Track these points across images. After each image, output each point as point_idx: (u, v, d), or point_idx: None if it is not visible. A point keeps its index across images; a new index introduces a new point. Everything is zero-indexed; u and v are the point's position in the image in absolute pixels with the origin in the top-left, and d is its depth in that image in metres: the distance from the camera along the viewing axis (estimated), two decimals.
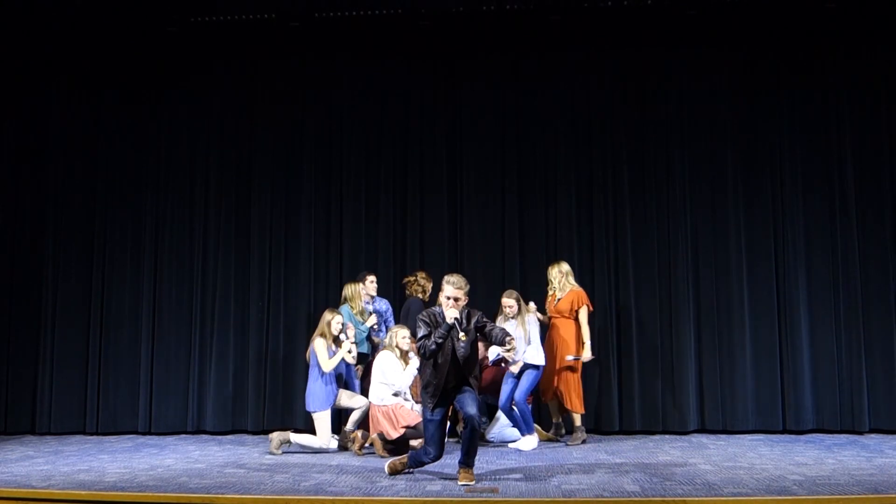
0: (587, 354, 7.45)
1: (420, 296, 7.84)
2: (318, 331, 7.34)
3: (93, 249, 8.87)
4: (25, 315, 8.84)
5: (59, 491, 5.57)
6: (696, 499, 5.09)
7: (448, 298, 5.69)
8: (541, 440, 7.56)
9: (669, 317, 8.30)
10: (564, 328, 7.49)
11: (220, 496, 5.34)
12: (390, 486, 5.60)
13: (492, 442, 7.59)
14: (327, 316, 7.34)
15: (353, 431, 7.27)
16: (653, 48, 8.60)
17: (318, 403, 7.19)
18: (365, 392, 7.42)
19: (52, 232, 8.92)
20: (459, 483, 5.56)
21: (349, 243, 8.75)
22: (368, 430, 7.15)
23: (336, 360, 7.22)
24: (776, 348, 8.17)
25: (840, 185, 8.30)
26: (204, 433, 8.52)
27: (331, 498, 5.27)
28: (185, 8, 8.29)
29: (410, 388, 7.22)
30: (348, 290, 7.85)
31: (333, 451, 7.15)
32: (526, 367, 7.22)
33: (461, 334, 5.59)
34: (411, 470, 6.00)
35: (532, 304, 7.51)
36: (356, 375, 7.71)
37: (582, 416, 7.54)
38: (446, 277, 5.78)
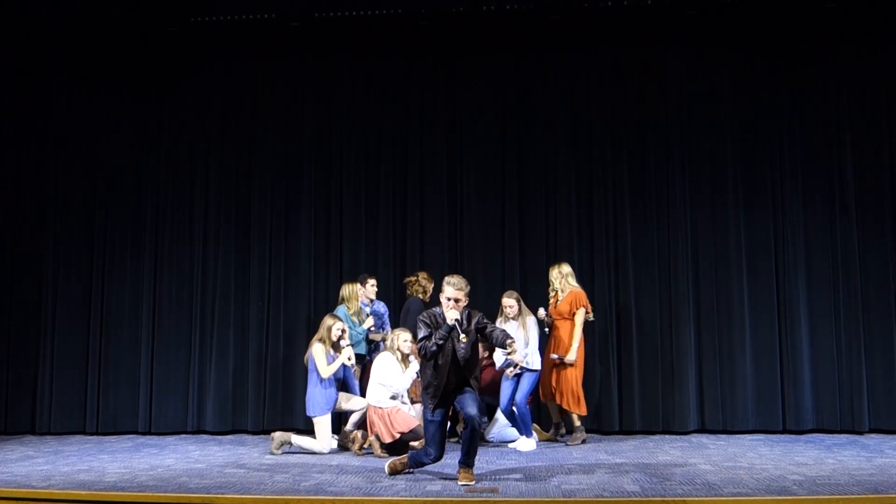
0: (570, 357, 7.36)
1: (421, 296, 7.84)
2: (317, 335, 7.33)
3: (93, 249, 8.88)
4: (25, 315, 8.84)
5: (59, 491, 5.57)
6: (696, 499, 5.09)
7: (448, 299, 5.68)
8: (540, 440, 7.56)
9: (669, 317, 8.30)
10: (564, 329, 7.47)
11: (220, 496, 5.34)
12: (390, 486, 5.60)
13: (492, 442, 7.59)
14: (328, 321, 7.33)
15: (352, 432, 7.27)
16: (653, 48, 8.61)
17: (318, 408, 7.18)
18: (364, 392, 7.41)
19: (52, 232, 8.92)
20: (459, 483, 5.56)
21: (349, 243, 8.75)
22: (367, 431, 7.15)
23: (335, 367, 7.21)
24: (776, 348, 8.18)
25: (840, 185, 8.31)
26: (204, 433, 8.53)
27: (331, 498, 5.27)
28: (185, 8, 8.28)
29: (410, 389, 7.22)
30: (346, 290, 7.84)
31: (334, 452, 7.15)
32: (524, 369, 7.22)
33: (462, 335, 5.59)
34: (411, 470, 6.00)
35: (542, 311, 7.50)
36: (354, 376, 7.71)
37: (582, 416, 7.54)
38: (447, 278, 5.77)
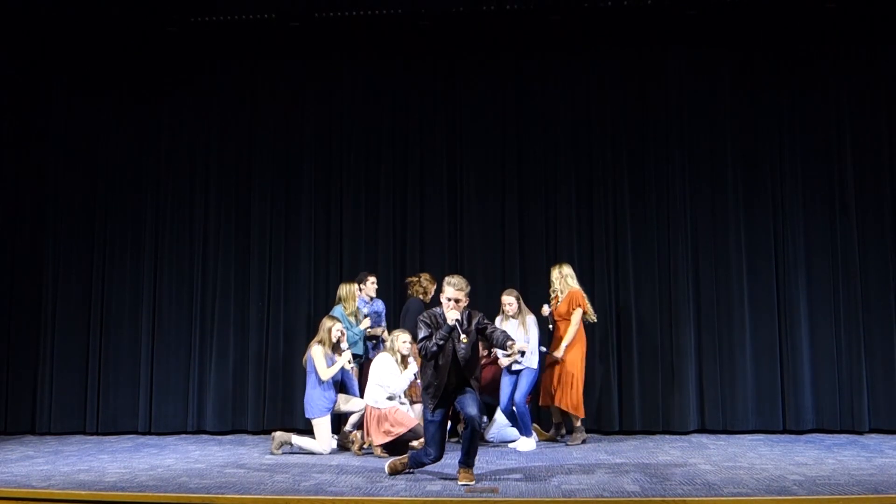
0: (557, 353, 7.37)
1: (421, 297, 7.83)
2: (316, 337, 7.32)
3: (93, 249, 8.88)
4: (25, 315, 8.84)
5: (59, 491, 5.57)
6: (696, 499, 5.09)
7: (449, 300, 5.68)
8: (540, 440, 7.57)
9: (669, 317, 8.30)
10: (564, 330, 7.47)
11: (220, 496, 5.34)
12: (390, 486, 5.60)
13: (492, 442, 7.59)
14: (327, 323, 7.32)
15: (352, 432, 7.27)
16: (653, 48, 8.61)
17: (317, 410, 7.17)
18: (363, 392, 7.41)
19: (52, 232, 8.92)
20: (459, 483, 5.56)
21: (349, 243, 8.75)
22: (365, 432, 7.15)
23: (335, 370, 7.20)
24: (776, 348, 8.18)
25: (840, 185, 8.31)
26: (204, 433, 8.53)
27: (331, 498, 5.27)
28: (185, 8, 8.28)
29: (408, 390, 7.21)
30: (343, 290, 7.84)
31: (334, 453, 7.15)
32: (524, 368, 7.22)
33: (462, 336, 5.59)
34: (411, 470, 6.00)
35: (546, 307, 7.51)
36: (353, 376, 7.69)
37: (579, 417, 7.53)
38: (447, 279, 5.77)
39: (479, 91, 8.78)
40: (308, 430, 7.50)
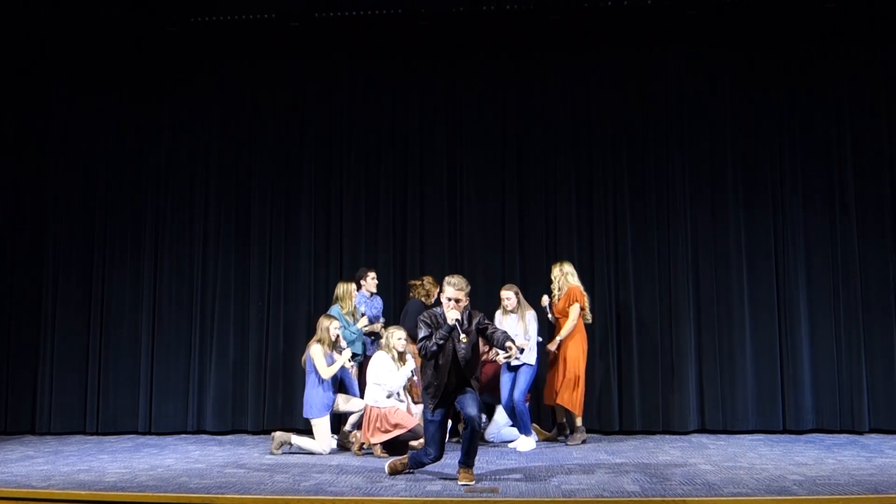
0: (552, 346, 7.41)
1: (424, 300, 7.83)
2: (315, 337, 7.31)
3: (93, 249, 8.87)
4: (25, 315, 8.84)
5: (59, 491, 5.57)
6: (696, 499, 5.09)
7: (449, 300, 5.68)
8: (540, 440, 7.57)
9: (669, 317, 8.30)
10: (563, 326, 7.49)
11: (220, 496, 5.34)
12: (390, 486, 5.60)
13: (492, 442, 7.59)
14: (324, 322, 7.31)
15: (351, 432, 7.27)
16: (653, 48, 8.60)
17: (317, 410, 7.17)
18: (363, 391, 7.41)
19: (52, 232, 8.92)
20: (459, 483, 5.56)
21: (349, 243, 8.75)
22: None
23: (335, 368, 7.20)
24: (776, 348, 8.18)
25: (840, 184, 8.30)
26: (204, 433, 8.52)
27: (331, 498, 5.27)
28: (185, 8, 8.28)
29: (410, 388, 7.21)
30: (340, 289, 7.83)
31: (333, 453, 7.15)
32: (522, 365, 7.22)
33: (462, 336, 5.59)
34: (412, 470, 6.00)
35: (545, 298, 7.53)
36: (352, 375, 7.70)
37: (580, 417, 7.53)
38: (447, 279, 5.78)
39: (479, 91, 8.78)
40: (308, 430, 7.50)
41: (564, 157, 8.62)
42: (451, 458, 6.03)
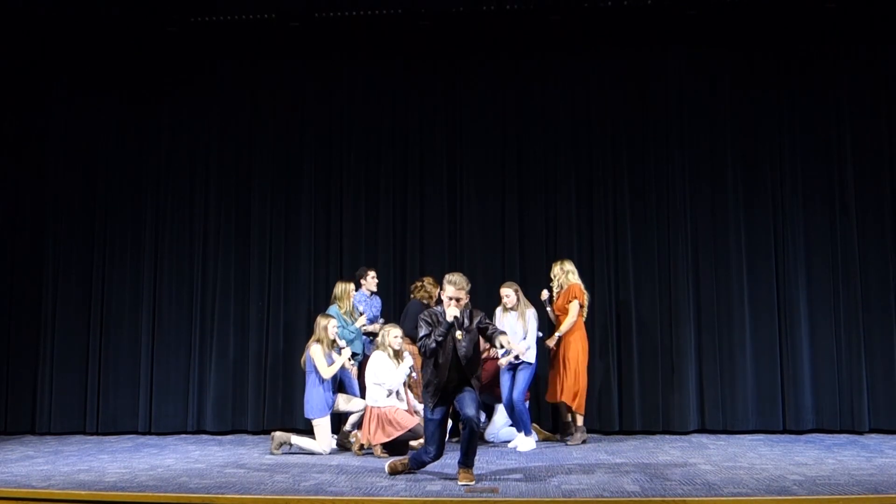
0: (550, 342, 7.43)
1: (426, 301, 7.82)
2: (313, 337, 7.30)
3: (93, 249, 8.87)
4: (25, 315, 8.84)
5: (59, 491, 5.57)
6: (696, 499, 5.09)
7: (450, 298, 5.69)
8: (540, 439, 7.57)
9: (669, 317, 8.30)
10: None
11: (220, 496, 5.34)
12: (390, 486, 5.60)
13: (492, 442, 7.59)
14: (322, 321, 7.30)
15: (351, 432, 7.27)
16: (653, 48, 8.60)
17: (317, 410, 7.16)
18: (363, 391, 7.41)
19: (52, 232, 8.92)
20: (459, 483, 5.56)
21: (349, 243, 8.75)
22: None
23: (336, 368, 7.20)
24: (776, 348, 8.17)
25: (840, 184, 8.30)
26: (204, 433, 8.52)
27: (331, 498, 5.27)
28: (185, 8, 8.28)
29: (414, 390, 7.21)
30: (338, 289, 7.84)
31: (333, 453, 7.15)
32: (521, 363, 7.23)
33: (458, 332, 5.60)
34: (412, 470, 6.00)
35: (545, 292, 7.55)
36: (352, 375, 7.70)
37: (583, 416, 7.53)
38: (447, 276, 5.79)
39: (479, 91, 8.78)
40: (308, 430, 7.50)
41: (564, 157, 8.62)
42: (451, 458, 6.03)
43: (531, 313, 7.36)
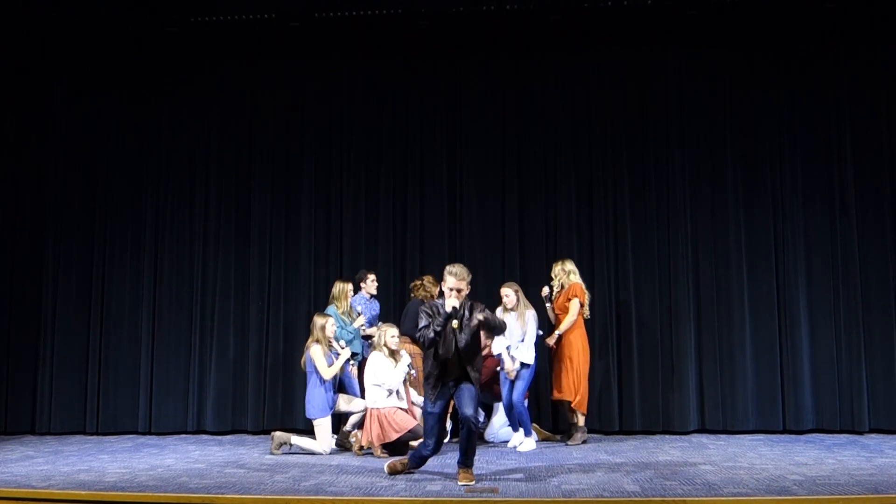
0: (550, 340, 7.45)
1: (425, 300, 7.81)
2: (312, 337, 7.29)
3: (93, 249, 8.87)
4: (25, 315, 8.84)
5: (59, 491, 5.57)
6: (696, 499, 5.09)
7: (451, 289, 5.70)
8: (540, 439, 7.57)
9: (669, 317, 8.30)
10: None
11: (220, 496, 5.34)
12: (390, 486, 5.60)
13: (491, 442, 7.59)
14: (319, 321, 7.29)
15: (351, 432, 7.27)
16: (653, 48, 8.60)
17: (319, 410, 7.16)
18: (363, 391, 7.40)
19: (51, 232, 8.92)
20: (459, 483, 5.56)
21: (349, 243, 8.75)
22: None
23: (336, 368, 7.20)
24: (776, 348, 8.17)
25: (840, 184, 8.30)
26: (204, 433, 8.53)
27: (331, 498, 5.27)
28: (185, 8, 8.28)
29: (411, 383, 7.21)
30: (336, 289, 7.83)
31: (334, 453, 7.15)
32: (520, 365, 7.22)
33: (454, 322, 5.61)
34: (412, 470, 6.00)
35: (546, 289, 7.56)
36: (352, 375, 7.70)
37: (584, 416, 7.54)
38: (448, 268, 5.77)
39: (479, 91, 8.78)
40: (308, 430, 7.50)
41: (564, 157, 8.62)
42: (451, 458, 6.03)
43: (531, 314, 7.35)
